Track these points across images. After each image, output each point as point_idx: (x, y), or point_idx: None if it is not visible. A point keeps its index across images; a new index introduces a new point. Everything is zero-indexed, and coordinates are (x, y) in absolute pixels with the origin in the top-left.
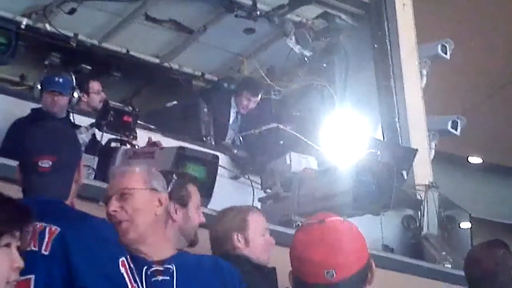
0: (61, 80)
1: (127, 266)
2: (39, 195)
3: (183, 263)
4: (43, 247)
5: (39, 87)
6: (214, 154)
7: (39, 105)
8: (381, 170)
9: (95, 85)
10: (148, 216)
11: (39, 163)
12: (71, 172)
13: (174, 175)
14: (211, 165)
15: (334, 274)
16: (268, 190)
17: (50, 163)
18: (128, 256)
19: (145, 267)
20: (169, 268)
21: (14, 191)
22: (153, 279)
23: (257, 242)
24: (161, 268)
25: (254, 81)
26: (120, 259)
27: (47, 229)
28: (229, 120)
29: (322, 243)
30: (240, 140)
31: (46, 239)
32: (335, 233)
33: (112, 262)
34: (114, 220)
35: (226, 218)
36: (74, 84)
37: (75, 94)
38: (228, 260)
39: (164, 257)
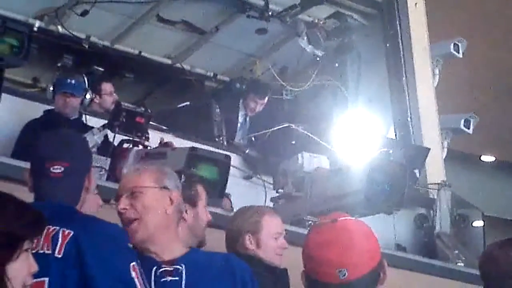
0: (73, 81)
1: (138, 271)
2: (50, 200)
3: (193, 262)
4: (57, 250)
5: (51, 89)
6: (226, 154)
7: (52, 107)
8: (393, 169)
9: (107, 87)
10: (158, 214)
11: (51, 169)
12: (81, 179)
13: (182, 176)
14: (223, 165)
15: (346, 273)
16: (280, 190)
17: (62, 168)
18: (138, 261)
19: (155, 268)
20: (178, 268)
21: (26, 193)
22: (162, 279)
23: (269, 245)
24: (171, 269)
25: (260, 84)
26: (131, 264)
27: (60, 232)
28: (238, 122)
29: (334, 242)
30: (252, 140)
31: (60, 242)
32: (347, 233)
33: (123, 266)
34: (123, 218)
35: (241, 218)
36: (87, 85)
37: (87, 96)
38: None
39: (174, 257)
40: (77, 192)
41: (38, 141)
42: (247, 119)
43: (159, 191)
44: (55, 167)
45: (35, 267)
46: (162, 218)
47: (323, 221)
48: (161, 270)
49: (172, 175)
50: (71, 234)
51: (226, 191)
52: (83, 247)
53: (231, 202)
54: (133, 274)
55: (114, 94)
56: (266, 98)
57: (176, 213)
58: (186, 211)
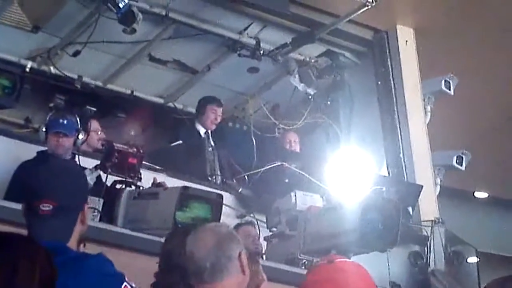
0: (65, 121)
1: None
2: (40, 239)
3: None
4: None
5: (44, 129)
6: (218, 193)
7: (45, 148)
8: (387, 207)
9: (95, 124)
10: None
11: (40, 206)
12: (73, 215)
13: None
14: (216, 204)
15: None
16: (274, 229)
17: (51, 206)
18: (128, 281)
19: None
20: None
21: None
22: None
23: None
24: None
25: (210, 96)
26: (122, 285)
27: None
28: (203, 153)
29: (330, 282)
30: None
31: None
32: (342, 273)
33: None
34: None
35: None
36: (79, 125)
37: (80, 136)
38: None
39: None
40: (68, 229)
41: (28, 176)
42: (210, 135)
43: None
44: (44, 205)
45: None
46: None
47: (320, 263)
48: None
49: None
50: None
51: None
52: (69, 286)
53: (255, 229)
54: None
55: (102, 133)
56: (221, 108)
57: None
58: None
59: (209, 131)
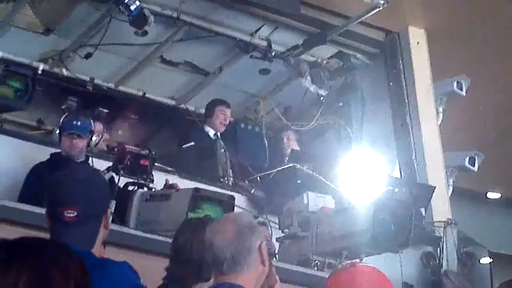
0: (79, 123)
1: None
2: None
3: None
4: None
5: (58, 131)
6: (230, 195)
7: (57, 150)
8: (399, 208)
9: (98, 126)
10: None
11: (65, 213)
12: (97, 221)
13: None
14: (227, 205)
15: None
16: (286, 230)
17: (76, 213)
18: None
19: None
20: None
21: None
22: None
23: None
24: None
25: (217, 98)
26: None
27: None
28: (215, 154)
29: (352, 284)
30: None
31: None
32: (364, 276)
33: None
34: None
35: None
36: (93, 127)
37: (94, 138)
38: None
39: None
40: (93, 235)
41: (51, 182)
42: (219, 135)
43: None
44: (69, 211)
45: None
46: None
47: (342, 268)
48: None
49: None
50: None
51: None
52: None
53: (268, 230)
54: None
55: (105, 134)
56: (230, 110)
57: None
58: None
59: (219, 133)
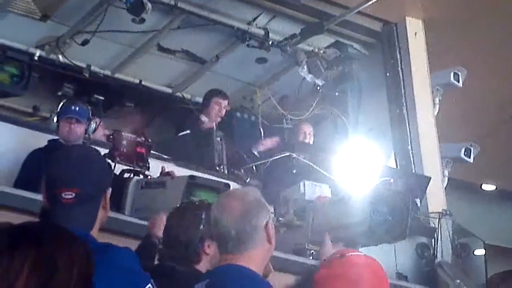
0: (77, 108)
1: None
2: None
3: None
4: None
5: (55, 117)
6: (225, 183)
7: (54, 136)
8: (395, 200)
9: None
10: None
11: (63, 195)
12: (96, 202)
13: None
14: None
15: None
16: (281, 219)
17: (74, 194)
18: (153, 282)
19: None
20: None
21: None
22: None
23: None
24: None
25: (215, 88)
26: (147, 287)
27: None
28: (211, 143)
29: (341, 277)
30: (252, 169)
31: None
32: (354, 268)
33: None
34: None
35: None
36: (91, 114)
37: (92, 124)
38: None
39: None
40: (91, 217)
41: (48, 164)
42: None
43: None
44: (67, 193)
45: None
46: None
47: (332, 257)
48: None
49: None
50: None
51: None
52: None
53: None
54: None
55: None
56: (227, 101)
57: None
58: (208, 246)
59: (215, 123)
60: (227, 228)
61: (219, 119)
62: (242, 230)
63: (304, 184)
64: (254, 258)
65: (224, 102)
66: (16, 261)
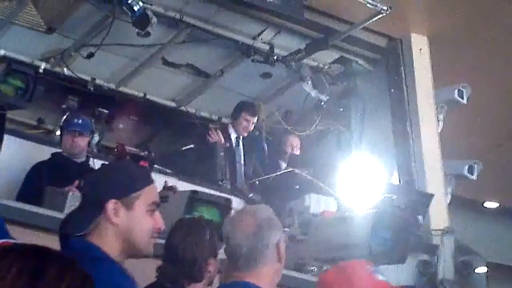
0: (80, 121)
1: None
2: None
3: None
4: None
5: (58, 131)
6: (226, 198)
7: (58, 150)
8: (398, 222)
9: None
10: None
11: None
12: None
13: None
14: (224, 208)
15: None
16: (286, 229)
17: None
18: None
19: None
20: None
21: (30, 236)
22: None
23: None
24: None
25: (250, 103)
26: None
27: None
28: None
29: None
30: (255, 184)
31: None
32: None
33: None
34: None
35: None
36: (94, 127)
37: (95, 138)
38: None
39: None
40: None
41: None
42: (240, 141)
43: None
44: None
45: None
46: None
47: (333, 267)
48: None
49: None
50: None
51: None
52: None
53: None
54: None
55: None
56: (257, 116)
57: None
58: None
59: (241, 137)
60: (238, 245)
61: (245, 134)
62: (253, 247)
63: (310, 197)
64: (263, 277)
65: (253, 119)
66: (2, 269)
